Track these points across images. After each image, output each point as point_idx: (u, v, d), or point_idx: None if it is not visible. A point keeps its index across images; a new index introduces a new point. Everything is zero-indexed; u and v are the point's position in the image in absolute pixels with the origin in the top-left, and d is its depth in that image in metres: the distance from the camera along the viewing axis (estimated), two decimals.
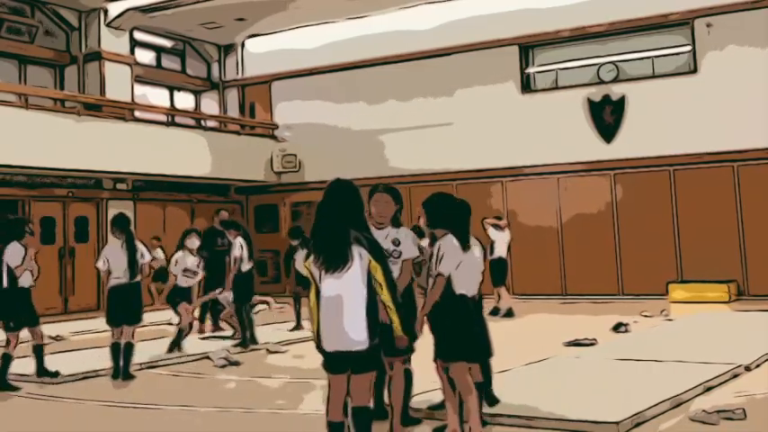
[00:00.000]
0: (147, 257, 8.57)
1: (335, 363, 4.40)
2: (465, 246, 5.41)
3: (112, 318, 8.35)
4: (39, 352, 8.21)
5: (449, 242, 5.30)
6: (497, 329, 6.64)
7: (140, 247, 8.47)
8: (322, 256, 4.41)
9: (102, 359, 8.76)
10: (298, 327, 11.59)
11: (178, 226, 15.50)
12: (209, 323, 12.55)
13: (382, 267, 4.40)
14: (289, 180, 18.78)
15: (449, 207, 5.54)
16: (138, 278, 8.38)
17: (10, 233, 8.09)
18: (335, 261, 4.36)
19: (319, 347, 4.44)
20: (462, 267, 5.31)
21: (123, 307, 8.29)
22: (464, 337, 5.30)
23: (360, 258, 4.37)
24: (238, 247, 10.28)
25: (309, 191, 18.07)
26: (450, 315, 5.27)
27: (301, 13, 17.89)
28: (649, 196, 15.20)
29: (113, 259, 8.29)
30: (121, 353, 8.26)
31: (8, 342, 7.94)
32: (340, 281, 4.35)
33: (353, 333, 4.33)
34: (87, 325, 12.94)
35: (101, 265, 8.37)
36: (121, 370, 8.24)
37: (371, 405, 4.61)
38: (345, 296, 4.34)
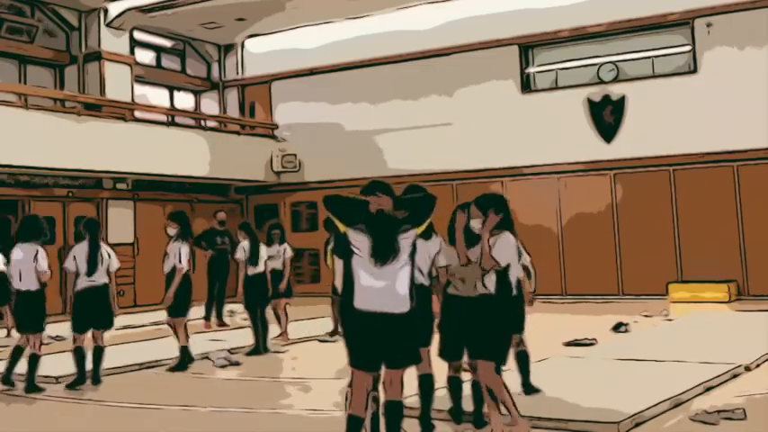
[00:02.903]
0: (116, 265, 8.16)
1: (369, 357, 4.53)
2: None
3: (80, 323, 7.93)
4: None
5: (508, 239, 5.35)
6: None
7: (109, 250, 8.16)
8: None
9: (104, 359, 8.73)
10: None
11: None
12: (213, 320, 12.65)
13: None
14: (289, 180, 18.77)
15: (507, 208, 5.54)
16: (105, 280, 8.01)
17: (31, 232, 7.98)
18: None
19: (353, 312, 4.57)
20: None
21: (93, 311, 7.92)
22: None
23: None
24: (241, 249, 10.09)
25: (309, 191, 18.08)
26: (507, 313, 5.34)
27: (301, 13, 17.89)
28: (649, 196, 15.19)
29: (81, 260, 7.93)
30: (90, 358, 7.93)
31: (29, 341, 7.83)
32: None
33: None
34: None
35: (70, 265, 7.92)
36: (91, 374, 7.92)
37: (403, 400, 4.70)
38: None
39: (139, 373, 8.52)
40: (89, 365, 7.94)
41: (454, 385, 5.84)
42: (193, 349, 9.70)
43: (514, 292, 5.66)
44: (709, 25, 14.91)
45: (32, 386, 7.69)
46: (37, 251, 7.82)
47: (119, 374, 8.27)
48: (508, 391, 5.31)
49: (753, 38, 14.52)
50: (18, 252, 7.88)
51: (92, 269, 7.88)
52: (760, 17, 14.49)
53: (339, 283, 5.47)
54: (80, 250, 7.96)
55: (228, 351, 9.46)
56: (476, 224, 5.45)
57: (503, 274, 5.39)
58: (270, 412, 6.64)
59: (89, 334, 8.00)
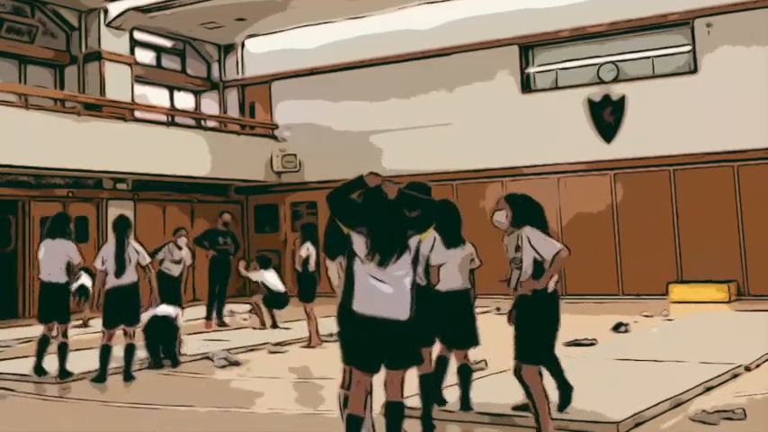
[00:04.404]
0: (148, 259, 8.47)
1: (370, 359, 4.49)
2: None
3: (109, 319, 8.20)
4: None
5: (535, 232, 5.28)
6: (498, 329, 6.63)
7: (139, 249, 8.37)
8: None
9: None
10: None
11: (178, 226, 15.51)
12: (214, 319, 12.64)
13: None
14: (289, 180, 18.77)
15: (535, 207, 5.46)
16: (134, 278, 8.24)
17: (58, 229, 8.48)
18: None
19: (352, 315, 4.50)
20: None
21: (121, 308, 8.16)
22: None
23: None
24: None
25: (309, 191, 18.07)
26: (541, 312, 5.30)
27: (301, 13, 17.88)
28: (649, 196, 15.19)
29: (109, 261, 8.20)
30: (122, 355, 8.20)
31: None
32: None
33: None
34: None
35: (98, 264, 8.27)
36: (123, 372, 8.17)
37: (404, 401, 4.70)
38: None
39: (139, 373, 8.51)
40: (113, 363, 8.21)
41: (440, 362, 6.06)
42: (193, 349, 9.71)
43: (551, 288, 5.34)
44: (709, 25, 14.91)
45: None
46: None
47: (119, 374, 8.25)
48: (547, 399, 5.19)
49: (753, 38, 14.52)
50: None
51: (120, 271, 8.15)
52: (760, 17, 14.49)
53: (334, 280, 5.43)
54: (108, 251, 8.28)
55: (228, 351, 9.46)
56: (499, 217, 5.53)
57: (539, 270, 5.23)
58: (270, 412, 6.64)
59: (118, 331, 8.24)
